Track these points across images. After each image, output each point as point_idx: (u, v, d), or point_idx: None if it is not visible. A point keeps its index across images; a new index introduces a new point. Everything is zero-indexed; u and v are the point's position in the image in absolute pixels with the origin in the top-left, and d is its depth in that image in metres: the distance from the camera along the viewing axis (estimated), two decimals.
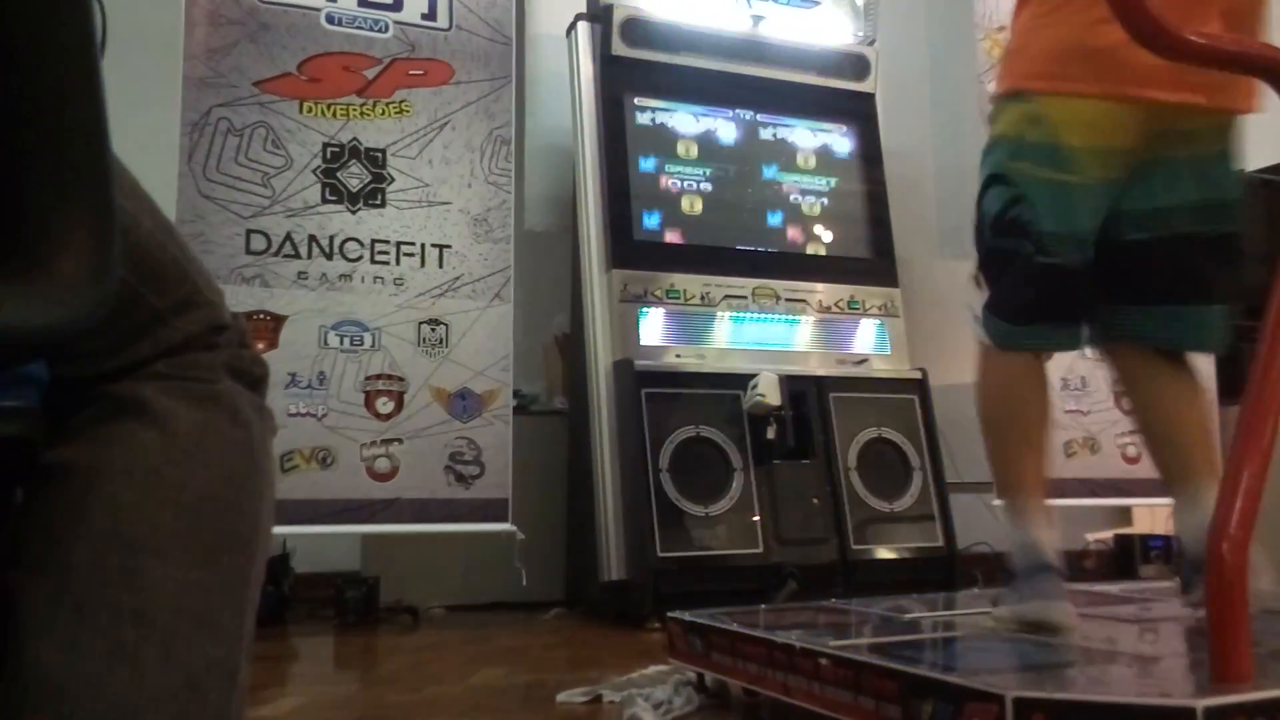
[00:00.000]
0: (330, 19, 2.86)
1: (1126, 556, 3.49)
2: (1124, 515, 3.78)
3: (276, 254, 2.73)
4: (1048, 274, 1.59)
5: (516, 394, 3.00)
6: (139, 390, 0.68)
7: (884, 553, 2.84)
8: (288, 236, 2.74)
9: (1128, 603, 1.88)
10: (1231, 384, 3.36)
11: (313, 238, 2.76)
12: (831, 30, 3.44)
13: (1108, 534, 3.67)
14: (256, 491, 0.71)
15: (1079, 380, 3.33)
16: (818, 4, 3.46)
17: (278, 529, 2.59)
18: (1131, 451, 3.30)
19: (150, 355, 0.70)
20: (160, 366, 0.70)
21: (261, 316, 2.68)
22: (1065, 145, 1.56)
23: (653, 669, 1.81)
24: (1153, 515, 3.70)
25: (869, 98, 3.42)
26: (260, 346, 2.66)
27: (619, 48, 3.11)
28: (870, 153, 3.37)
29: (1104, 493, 3.27)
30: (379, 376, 2.75)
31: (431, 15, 2.96)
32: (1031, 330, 1.65)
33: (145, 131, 2.90)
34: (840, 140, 3.39)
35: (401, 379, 2.77)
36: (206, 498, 0.67)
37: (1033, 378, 1.66)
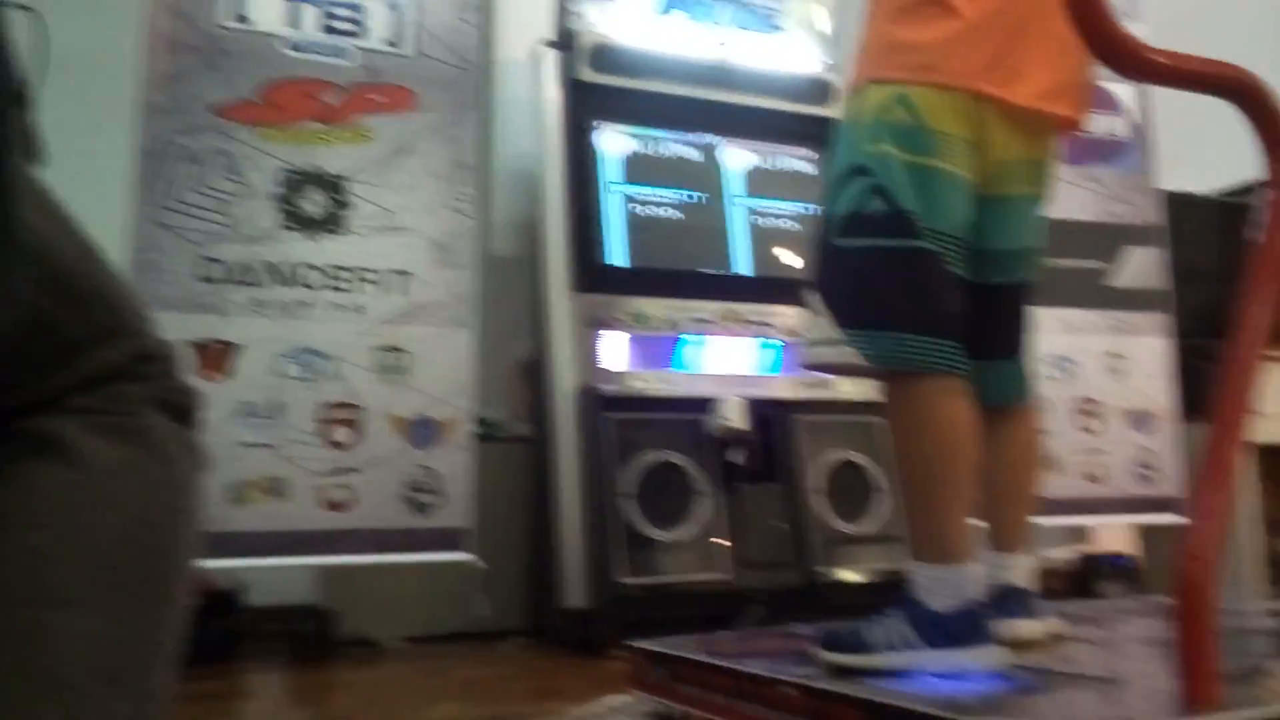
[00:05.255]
0: (292, 45, 2.83)
1: (1088, 575, 3.50)
2: (1086, 534, 3.79)
3: (233, 282, 2.68)
4: (948, 277, 1.43)
5: (479, 421, 2.96)
6: (55, 426, 0.64)
7: (849, 576, 2.81)
8: (245, 264, 2.69)
9: (1091, 623, 1.86)
10: (1194, 403, 3.40)
11: (270, 265, 2.72)
12: (797, 56, 3.46)
13: (1070, 553, 3.67)
14: (177, 534, 0.67)
15: (1042, 400, 3.34)
16: (782, 30, 3.48)
17: (231, 562, 2.56)
18: (1094, 471, 3.32)
19: (67, 387, 0.65)
20: (80, 400, 0.66)
21: (216, 345, 2.63)
22: (931, 129, 1.43)
23: (615, 700, 1.77)
24: (1113, 533, 3.72)
25: (834, 123, 3.43)
26: (214, 375, 2.61)
27: (585, 74, 3.11)
28: None
29: (1066, 511, 3.28)
30: (336, 405, 2.70)
31: (395, 42, 2.94)
32: (948, 345, 1.42)
33: (98, 159, 2.85)
34: (806, 165, 3.40)
35: (359, 407, 2.71)
36: (122, 541, 0.63)
37: (969, 407, 1.43)
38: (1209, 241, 3.63)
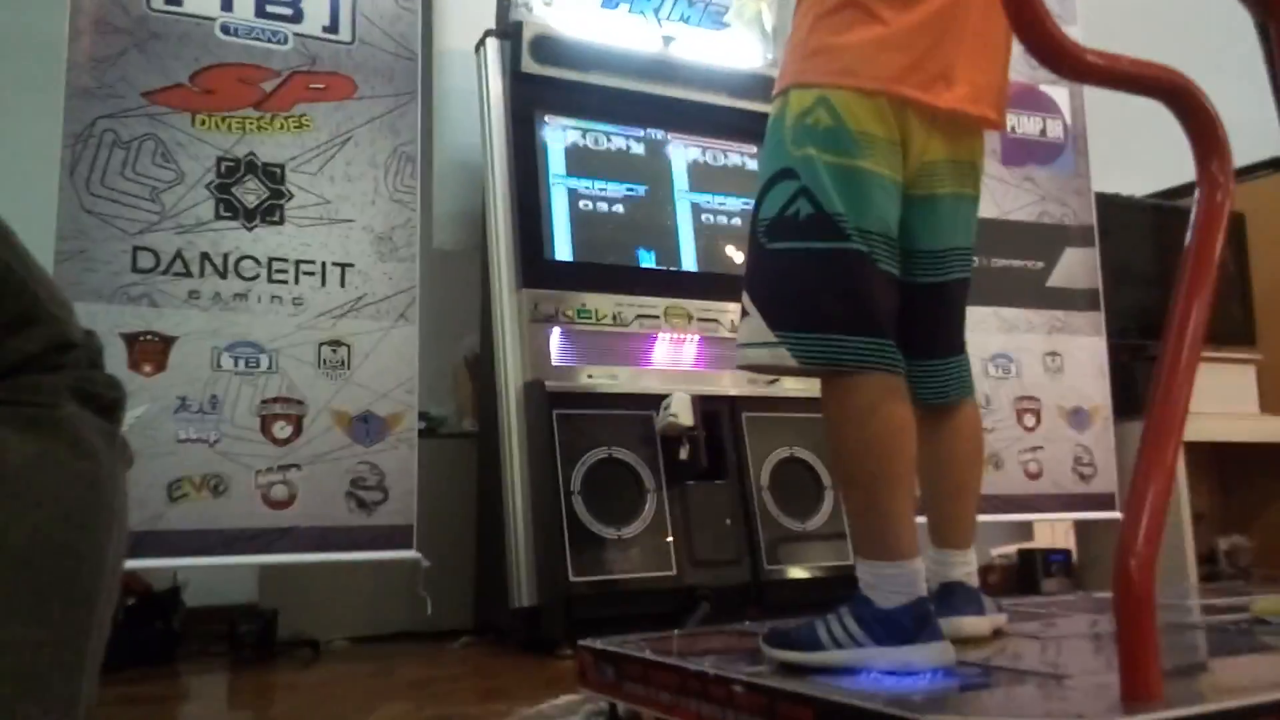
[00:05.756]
0: (225, 29, 2.75)
1: (1029, 571, 3.57)
2: (1025, 530, 3.87)
3: (166, 272, 2.60)
4: (879, 276, 1.43)
5: (424, 416, 2.92)
6: None
7: (796, 572, 2.83)
8: (178, 254, 2.61)
9: (1033, 619, 1.90)
10: (1127, 401, 3.49)
11: (205, 255, 2.64)
12: (742, 53, 3.47)
13: (1011, 549, 3.75)
14: (100, 531, 0.63)
15: (983, 398, 3.40)
16: (727, 26, 3.48)
17: (168, 561, 2.49)
18: (1033, 468, 3.39)
19: None
20: None
21: (149, 338, 2.55)
22: (853, 130, 1.43)
23: (564, 699, 1.76)
24: (1053, 530, 3.80)
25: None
26: (148, 369, 2.53)
27: (529, 65, 3.07)
28: None
29: (1006, 508, 3.34)
30: (276, 400, 2.63)
31: (333, 28, 2.87)
32: (883, 344, 1.42)
33: (24, 143, 2.76)
34: (750, 161, 3.41)
35: (300, 402, 2.66)
36: (38, 541, 0.60)
37: (905, 405, 1.44)
38: (1141, 243, 3.73)
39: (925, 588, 1.43)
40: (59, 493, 0.61)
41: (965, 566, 1.66)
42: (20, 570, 0.58)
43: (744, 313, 1.52)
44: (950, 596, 1.62)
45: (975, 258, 1.69)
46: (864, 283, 1.44)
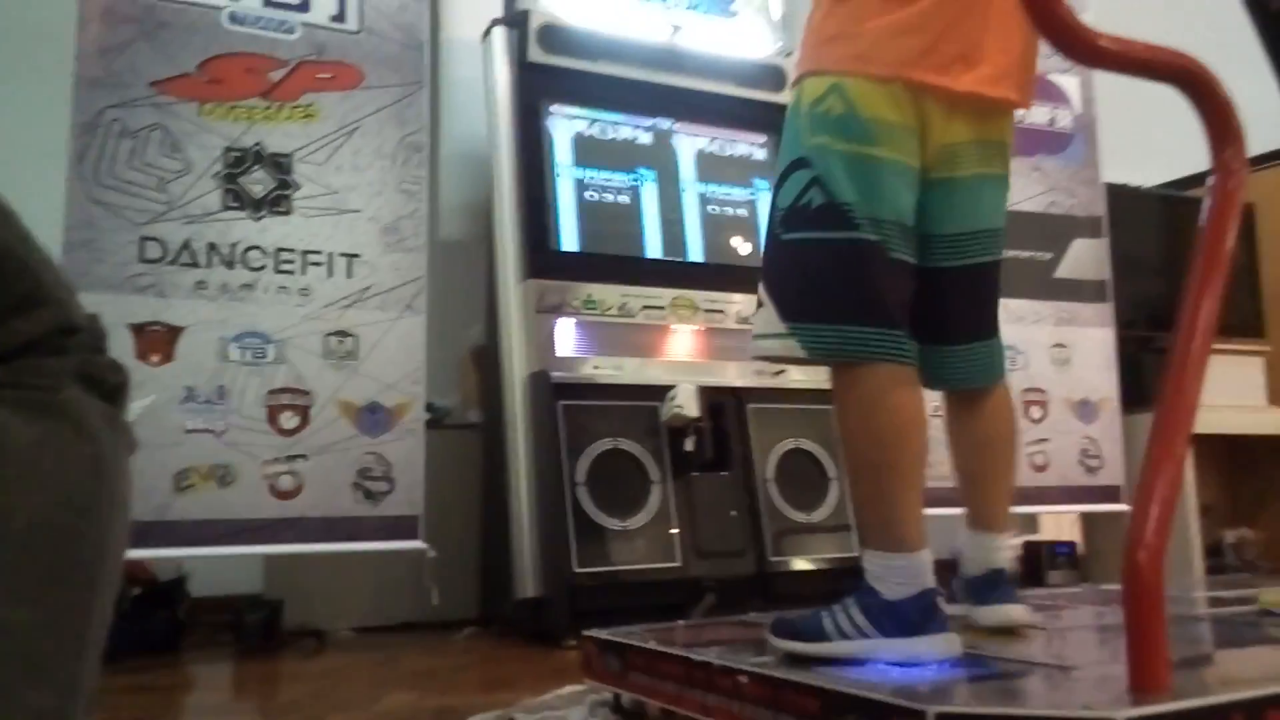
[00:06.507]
0: (233, 18, 2.75)
1: (1034, 563, 3.56)
2: (1031, 523, 3.86)
3: (173, 263, 2.60)
4: (890, 265, 1.42)
5: (430, 407, 2.92)
6: None
7: (802, 564, 2.83)
8: (185, 244, 2.62)
9: (1039, 611, 1.89)
10: (1135, 393, 3.48)
11: (212, 246, 2.64)
12: (750, 41, 3.45)
13: (1016, 541, 3.74)
14: (103, 516, 0.63)
15: None
16: (735, 15, 3.47)
17: (175, 551, 2.50)
18: (1039, 460, 3.37)
19: None
20: None
21: (156, 328, 2.55)
22: (867, 117, 1.43)
23: (568, 689, 1.76)
24: (1059, 522, 3.79)
25: (786, 109, 3.43)
26: (155, 359, 2.54)
27: (536, 54, 3.06)
28: None
29: (1011, 501, 3.33)
30: (283, 390, 2.64)
31: (340, 17, 2.87)
32: (894, 334, 1.42)
33: (32, 133, 2.76)
34: (758, 151, 3.40)
35: (307, 393, 2.66)
36: (40, 524, 0.59)
37: (916, 396, 1.43)
38: (1150, 234, 3.71)
39: (933, 579, 1.42)
40: (62, 476, 0.61)
41: (1006, 551, 1.64)
42: (22, 553, 0.58)
43: (759, 303, 1.51)
44: (997, 583, 1.61)
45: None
46: (874, 273, 1.43)
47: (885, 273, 1.44)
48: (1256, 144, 1.28)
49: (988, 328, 1.63)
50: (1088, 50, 1.14)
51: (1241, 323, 3.61)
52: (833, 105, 1.45)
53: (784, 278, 1.48)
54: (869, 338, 1.41)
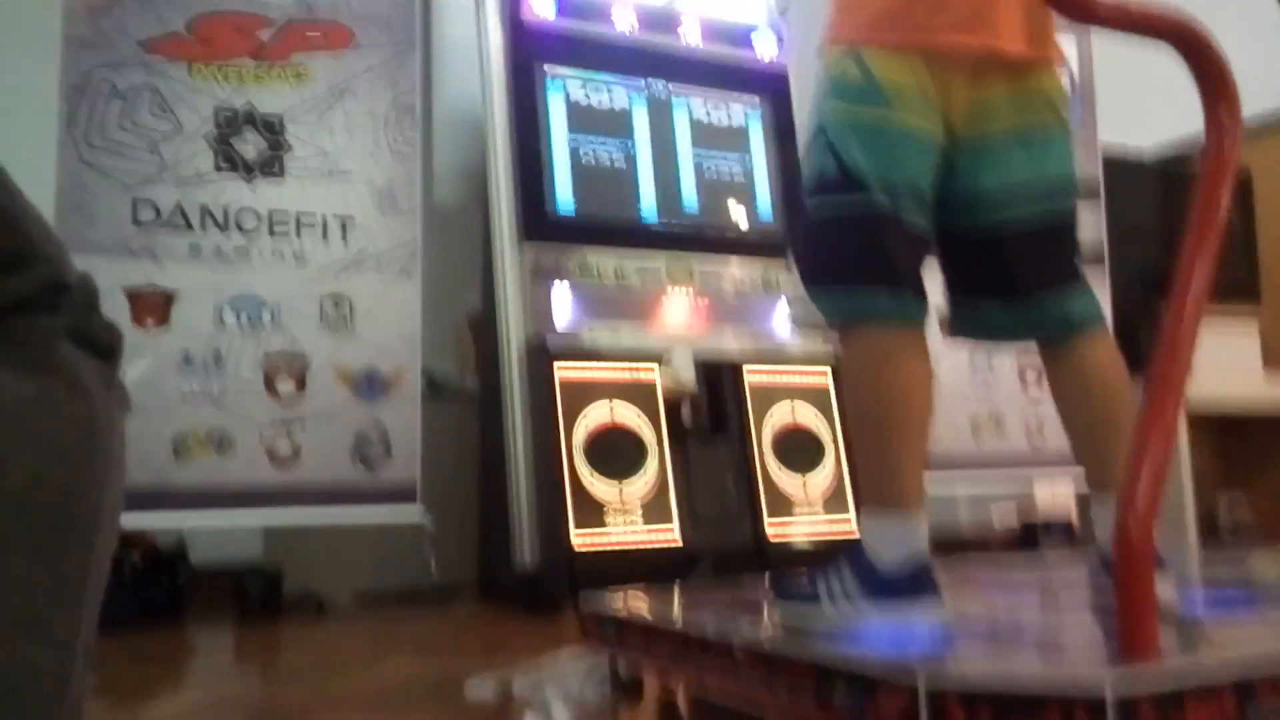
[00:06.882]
0: None
1: (1029, 532, 3.58)
2: (1026, 487, 3.87)
3: (166, 225, 2.58)
4: (901, 230, 1.42)
5: (426, 373, 2.91)
6: None
7: (798, 531, 2.84)
8: (178, 207, 2.59)
9: (1031, 573, 1.90)
10: (1131, 359, 3.47)
11: (205, 208, 2.62)
12: (745, 4, 3.41)
13: (1012, 509, 3.76)
14: (98, 473, 0.62)
15: (984, 358, 3.39)
16: None
17: (173, 518, 2.50)
18: (1034, 425, 3.38)
19: None
20: None
21: (151, 292, 2.54)
22: (881, 81, 1.43)
23: (565, 655, 1.77)
24: (1054, 490, 3.80)
25: (782, 71, 3.40)
26: (150, 323, 2.53)
27: (529, 14, 3.02)
28: (783, 127, 3.35)
29: (1007, 465, 3.35)
30: (279, 355, 2.63)
31: None
32: (902, 296, 1.43)
33: (20, 95, 2.72)
34: (754, 114, 3.36)
35: (303, 356, 2.65)
36: (36, 480, 0.59)
37: (923, 358, 1.44)
38: (1145, 200, 3.69)
39: (927, 545, 1.42)
40: (56, 434, 0.60)
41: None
42: (17, 509, 0.57)
43: (788, 269, 1.53)
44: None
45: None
46: (882, 236, 1.42)
47: (896, 237, 1.44)
48: (1255, 108, 1.27)
49: (1053, 278, 1.54)
50: (1083, 8, 1.13)
51: (1237, 285, 3.61)
52: (847, 70, 1.45)
53: (804, 243, 1.51)
54: (879, 298, 1.42)
